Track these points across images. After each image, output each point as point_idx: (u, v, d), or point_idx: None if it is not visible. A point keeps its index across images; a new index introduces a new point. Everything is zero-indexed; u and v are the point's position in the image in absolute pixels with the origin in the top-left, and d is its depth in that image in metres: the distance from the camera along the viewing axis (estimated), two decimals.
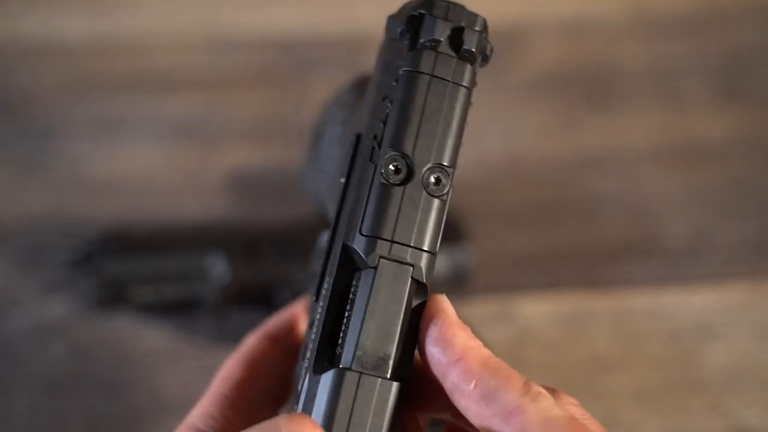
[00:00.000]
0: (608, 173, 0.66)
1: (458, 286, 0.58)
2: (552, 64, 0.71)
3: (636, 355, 0.59)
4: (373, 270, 0.32)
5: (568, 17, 0.73)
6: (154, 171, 0.65)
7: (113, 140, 0.67)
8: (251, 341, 0.39)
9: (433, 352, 0.32)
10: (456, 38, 0.33)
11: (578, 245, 0.63)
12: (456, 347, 0.32)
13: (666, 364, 0.59)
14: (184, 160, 0.66)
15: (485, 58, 0.34)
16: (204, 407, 0.36)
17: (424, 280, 0.32)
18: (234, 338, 0.58)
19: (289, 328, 0.40)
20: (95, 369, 0.57)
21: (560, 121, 0.68)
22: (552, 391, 0.33)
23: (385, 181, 0.32)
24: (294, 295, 0.57)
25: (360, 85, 0.45)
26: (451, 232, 0.58)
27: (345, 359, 0.31)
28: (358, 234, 0.32)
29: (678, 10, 0.74)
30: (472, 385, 0.31)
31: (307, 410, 0.32)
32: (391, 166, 0.32)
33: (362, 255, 0.32)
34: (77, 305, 0.59)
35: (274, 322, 0.40)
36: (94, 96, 0.68)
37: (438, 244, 0.33)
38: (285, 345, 0.40)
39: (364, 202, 0.32)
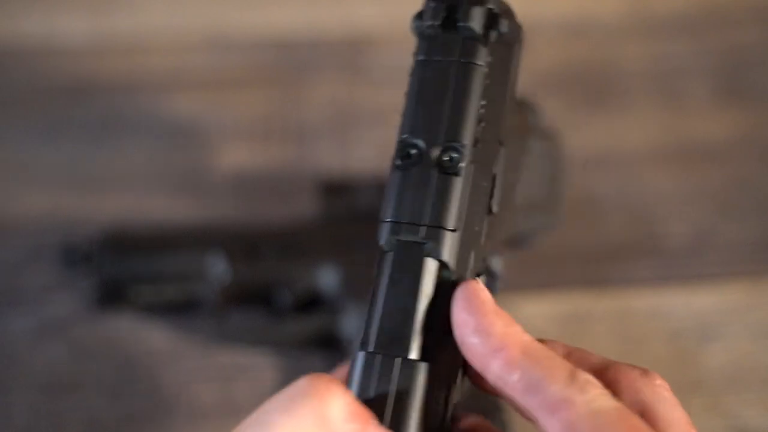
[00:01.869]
0: (608, 173, 0.66)
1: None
2: (552, 64, 0.70)
3: (636, 355, 0.59)
4: (390, 253, 0.32)
5: (568, 17, 0.73)
6: (154, 171, 0.65)
7: (113, 140, 0.67)
8: None
9: (473, 342, 0.31)
10: (451, 17, 0.34)
11: (578, 245, 0.63)
12: (495, 336, 0.31)
13: (666, 364, 0.59)
14: (184, 160, 0.66)
15: (500, 33, 0.34)
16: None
17: (444, 258, 0.32)
18: (234, 338, 0.58)
19: None
20: (95, 369, 0.57)
21: (560, 121, 0.68)
22: (644, 371, 0.33)
23: (398, 167, 0.33)
24: (294, 295, 0.57)
25: None
26: None
27: (369, 341, 0.32)
28: (380, 222, 0.33)
29: (678, 10, 0.74)
30: (515, 377, 0.30)
31: None
32: (403, 152, 0.33)
33: (380, 241, 0.33)
34: (77, 305, 0.59)
35: None
36: (94, 96, 0.68)
37: (459, 221, 0.32)
38: None
39: (385, 192, 0.33)
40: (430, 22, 0.34)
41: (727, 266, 0.62)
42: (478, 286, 0.32)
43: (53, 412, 0.56)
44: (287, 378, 0.56)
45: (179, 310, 0.58)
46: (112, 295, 0.58)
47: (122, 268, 0.57)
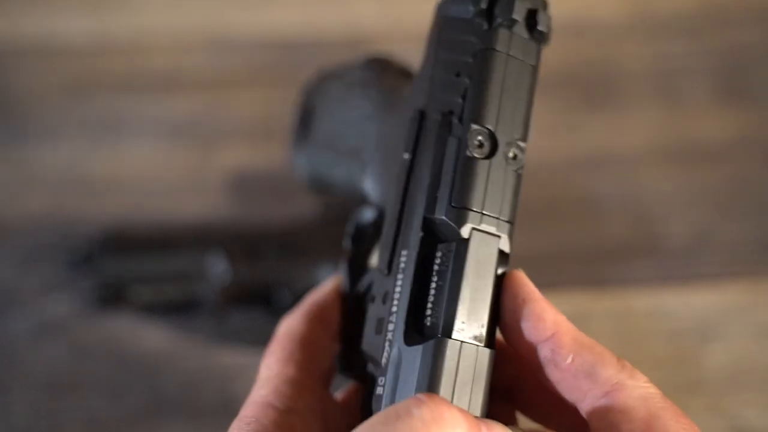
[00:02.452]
0: (608, 173, 0.66)
1: None
2: (552, 64, 0.70)
3: (636, 355, 0.59)
4: (465, 241, 0.33)
5: (568, 17, 0.73)
6: (154, 171, 0.65)
7: (113, 140, 0.67)
8: (297, 324, 0.39)
9: (524, 327, 0.33)
10: (531, 19, 0.35)
11: (578, 245, 0.63)
12: (547, 322, 0.33)
13: (666, 364, 0.59)
14: (184, 160, 0.66)
15: (547, 40, 0.36)
16: (274, 386, 0.36)
17: (508, 251, 0.34)
18: (234, 338, 0.58)
19: (327, 306, 0.40)
20: (95, 369, 0.57)
21: (560, 121, 0.68)
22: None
23: (470, 155, 0.33)
24: (294, 295, 0.57)
25: (375, 63, 0.46)
26: None
27: (445, 329, 0.32)
28: (448, 206, 0.33)
29: (678, 10, 0.74)
30: (569, 360, 0.32)
31: (406, 381, 0.32)
32: (476, 141, 0.34)
33: (454, 226, 0.33)
34: (77, 305, 0.59)
35: (313, 301, 0.40)
36: (94, 96, 0.68)
37: (515, 216, 0.34)
38: (326, 323, 0.39)
39: (451, 176, 0.34)
40: (511, 17, 0.35)
41: (727, 266, 0.62)
42: (525, 275, 0.34)
43: (53, 412, 0.56)
44: None
45: (179, 310, 0.58)
46: (112, 295, 0.58)
47: (122, 268, 0.58)
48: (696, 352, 0.59)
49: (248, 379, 0.57)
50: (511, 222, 0.34)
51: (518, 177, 0.34)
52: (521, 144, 0.34)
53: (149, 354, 0.58)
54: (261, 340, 0.58)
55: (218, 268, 0.57)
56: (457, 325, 0.32)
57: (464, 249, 0.33)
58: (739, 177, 0.66)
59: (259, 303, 0.58)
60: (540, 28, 0.35)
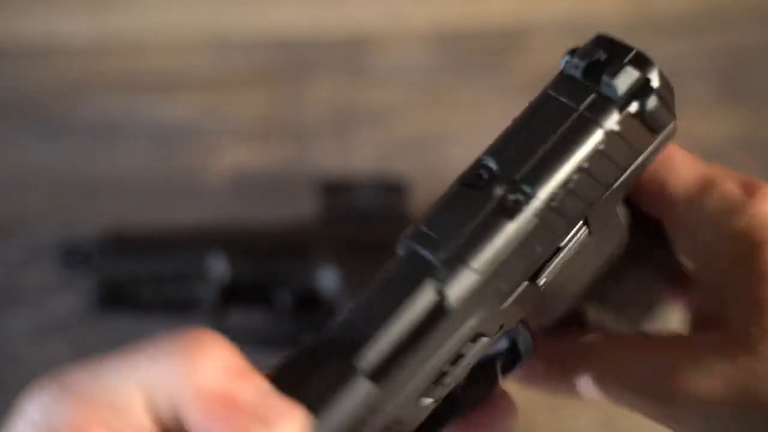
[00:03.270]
0: None
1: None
2: (552, 65, 0.70)
3: None
4: (399, 257, 0.29)
5: (568, 17, 0.73)
6: (153, 171, 0.65)
7: (113, 140, 0.67)
8: None
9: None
10: (598, 67, 0.31)
11: None
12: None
13: None
14: (184, 160, 0.66)
15: (645, 109, 0.31)
16: None
17: (448, 293, 0.28)
18: (234, 338, 0.58)
19: None
20: None
21: None
22: None
23: (463, 182, 0.29)
24: (294, 295, 0.57)
25: None
26: None
27: (329, 331, 0.28)
28: (414, 226, 0.29)
29: (679, 10, 0.74)
30: None
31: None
32: (476, 172, 0.30)
33: (401, 240, 0.29)
34: (77, 305, 0.59)
35: None
36: (94, 96, 0.68)
37: (486, 266, 0.28)
38: None
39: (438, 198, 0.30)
40: (576, 61, 0.32)
41: None
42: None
43: None
44: None
45: (179, 310, 0.58)
46: (112, 295, 0.58)
47: (122, 268, 0.58)
48: None
49: None
50: (472, 268, 0.28)
51: (506, 222, 0.28)
52: (528, 191, 0.29)
53: None
54: (261, 340, 0.58)
55: (218, 268, 0.57)
56: (333, 330, 0.28)
57: (390, 262, 0.29)
58: None
59: (259, 303, 0.58)
60: (608, 79, 0.30)
